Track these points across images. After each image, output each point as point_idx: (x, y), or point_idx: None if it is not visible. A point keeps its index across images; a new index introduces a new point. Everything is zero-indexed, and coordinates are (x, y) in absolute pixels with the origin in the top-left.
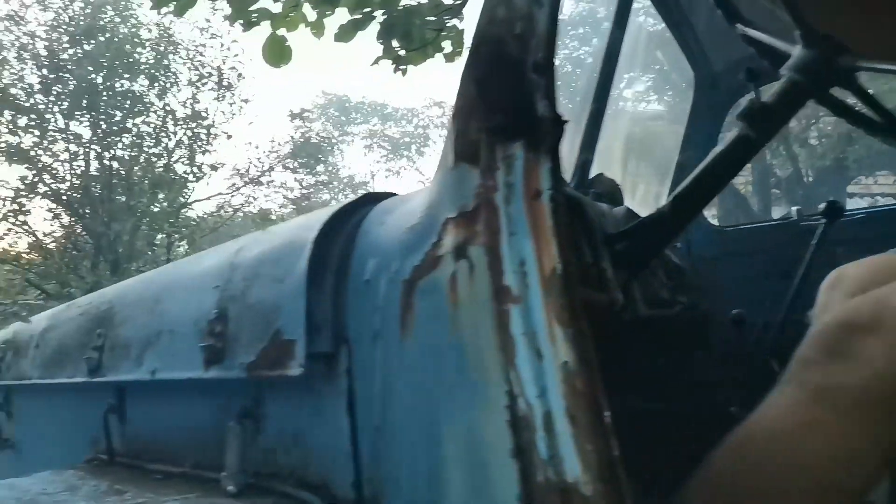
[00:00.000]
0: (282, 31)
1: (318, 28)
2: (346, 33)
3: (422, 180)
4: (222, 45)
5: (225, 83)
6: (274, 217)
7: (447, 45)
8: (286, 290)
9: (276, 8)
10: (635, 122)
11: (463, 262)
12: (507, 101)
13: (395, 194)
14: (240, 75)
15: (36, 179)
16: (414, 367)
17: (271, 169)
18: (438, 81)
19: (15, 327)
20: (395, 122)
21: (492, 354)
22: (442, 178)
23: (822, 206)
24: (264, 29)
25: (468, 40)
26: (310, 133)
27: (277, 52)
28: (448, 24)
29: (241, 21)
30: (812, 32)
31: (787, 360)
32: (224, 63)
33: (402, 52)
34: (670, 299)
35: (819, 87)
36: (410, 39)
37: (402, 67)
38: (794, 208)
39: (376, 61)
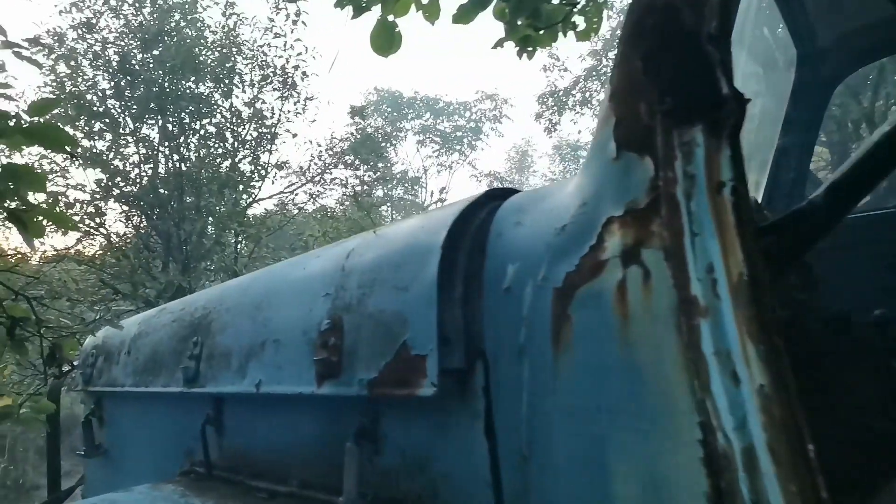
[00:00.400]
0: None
1: (432, 11)
2: (466, 14)
3: (474, 174)
4: (285, 43)
5: (289, 82)
6: (331, 214)
7: (580, 22)
8: (412, 299)
9: None
10: None
11: (634, 269)
12: (684, 79)
13: (517, 190)
14: (304, 74)
15: (110, 183)
16: (572, 389)
17: (334, 165)
18: (488, 73)
19: (104, 332)
20: (447, 117)
21: (678, 377)
22: (598, 171)
23: None
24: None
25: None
26: (368, 129)
27: (387, 39)
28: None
29: (352, 6)
30: None
31: None
32: (288, 62)
33: (529, 33)
34: (805, 300)
35: None
36: (539, 17)
37: (528, 49)
38: None
39: (499, 44)
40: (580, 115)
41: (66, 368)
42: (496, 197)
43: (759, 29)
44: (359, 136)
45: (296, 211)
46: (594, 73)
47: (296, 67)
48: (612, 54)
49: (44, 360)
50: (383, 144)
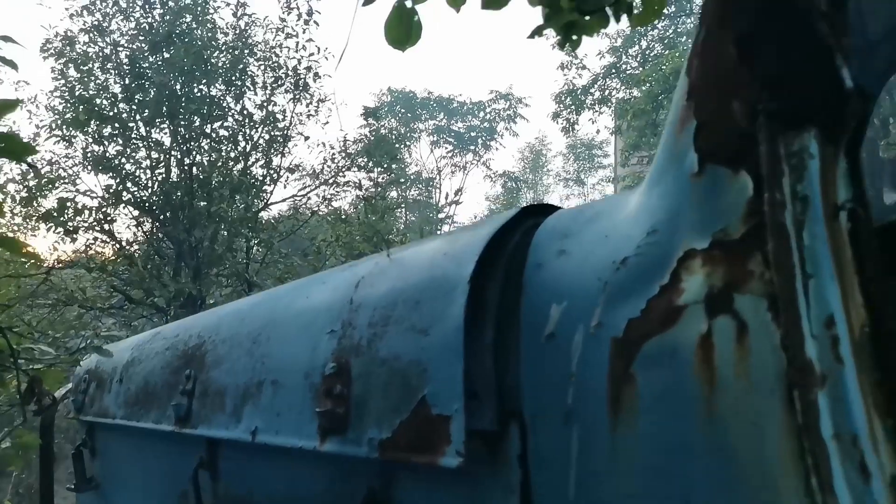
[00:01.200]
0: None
1: None
2: None
3: (489, 174)
4: (297, 44)
5: (301, 84)
6: (344, 216)
7: (637, 3)
8: (433, 345)
9: None
10: None
11: (725, 319)
12: (794, 69)
13: (558, 208)
14: (316, 75)
15: (120, 188)
16: (635, 470)
17: (347, 168)
18: (503, 71)
19: (97, 357)
20: (461, 117)
21: (787, 468)
22: (673, 190)
23: None
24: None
25: None
26: (382, 131)
27: (405, 28)
28: None
29: None
30: None
31: None
32: (300, 63)
33: (574, 17)
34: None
35: None
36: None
37: (572, 38)
38: None
39: (538, 31)
40: (599, 114)
41: (47, 402)
42: (533, 214)
43: None
44: (372, 138)
45: (309, 214)
46: (614, 70)
47: (308, 69)
48: (632, 50)
49: (20, 395)
50: (397, 146)
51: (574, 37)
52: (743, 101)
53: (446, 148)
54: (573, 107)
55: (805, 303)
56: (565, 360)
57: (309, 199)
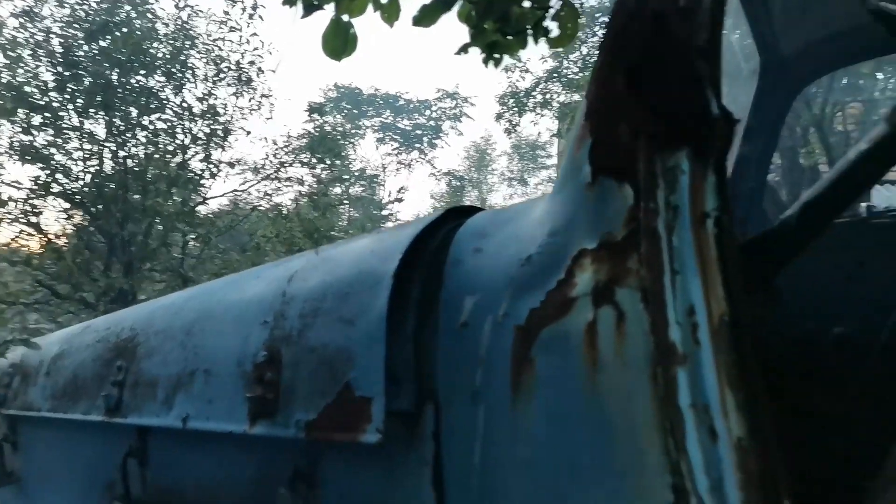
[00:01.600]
0: (345, 17)
1: (391, 11)
2: (428, 16)
3: (433, 173)
4: (241, 38)
5: (244, 78)
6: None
7: (553, 28)
8: (359, 334)
9: None
10: None
11: (607, 309)
12: (672, 97)
13: (480, 209)
14: (259, 70)
15: (49, 179)
16: (532, 440)
17: (290, 164)
18: (450, 71)
19: (24, 351)
20: (407, 115)
21: (651, 433)
22: (571, 197)
23: None
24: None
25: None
26: (326, 127)
27: (341, 41)
28: (555, 1)
29: (302, 3)
30: None
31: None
32: (243, 57)
33: (497, 38)
34: (767, 318)
35: None
36: (508, 22)
37: (495, 56)
38: (864, 204)
39: (463, 49)
40: (541, 117)
41: None
42: (459, 215)
43: (727, 37)
44: (317, 134)
45: (248, 209)
46: (555, 74)
47: (251, 63)
48: (573, 56)
49: None
50: (342, 142)
51: (496, 55)
52: (628, 123)
53: (392, 145)
54: (516, 108)
55: (672, 295)
56: (476, 346)
57: (249, 194)
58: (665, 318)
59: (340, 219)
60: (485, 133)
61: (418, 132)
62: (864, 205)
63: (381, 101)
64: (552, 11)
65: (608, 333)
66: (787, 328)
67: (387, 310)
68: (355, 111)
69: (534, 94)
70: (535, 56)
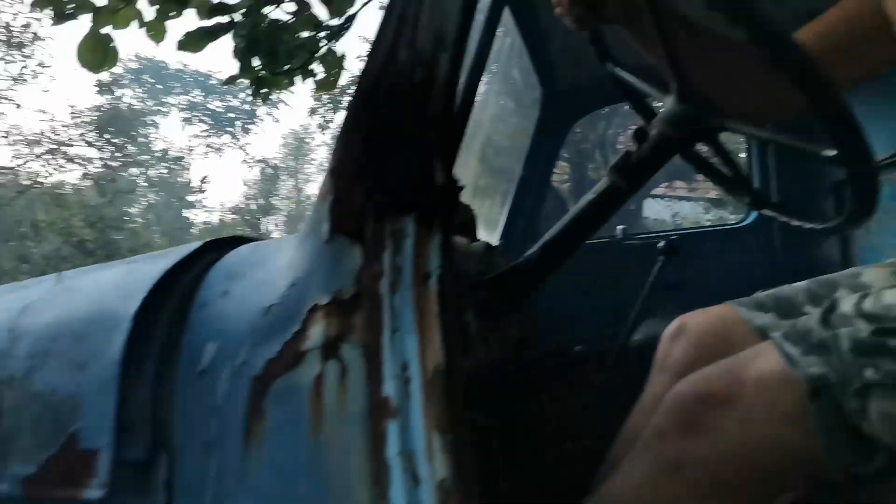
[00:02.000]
0: (107, 29)
1: (156, 31)
2: (194, 42)
3: (246, 160)
4: None
5: (14, 42)
6: (66, 192)
7: (320, 71)
8: (89, 381)
9: (102, 0)
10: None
11: (332, 364)
12: (401, 167)
13: (244, 241)
14: (35, 35)
15: None
16: (258, 490)
17: (69, 144)
18: None
19: None
20: (219, 96)
21: (361, 483)
22: (311, 251)
23: (661, 244)
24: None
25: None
26: (119, 104)
27: (100, 54)
28: (323, 46)
29: (53, 10)
30: (690, 88)
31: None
32: (15, 19)
33: (264, 74)
34: (517, 337)
35: (689, 142)
36: (276, 59)
37: (262, 91)
38: (619, 227)
39: (231, 80)
40: None
41: None
42: (221, 249)
43: (512, 69)
44: (108, 110)
45: (14, 194)
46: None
47: (26, 26)
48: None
49: None
50: (142, 120)
51: (264, 90)
52: (363, 187)
53: (201, 127)
54: (330, 105)
55: (390, 352)
56: (212, 395)
57: (19, 170)
58: (380, 373)
59: (135, 204)
60: (305, 122)
61: (231, 115)
62: (619, 228)
63: (191, 79)
64: (319, 54)
65: (333, 387)
66: (542, 345)
67: (123, 355)
68: (159, 86)
69: (348, 92)
70: (352, 54)
